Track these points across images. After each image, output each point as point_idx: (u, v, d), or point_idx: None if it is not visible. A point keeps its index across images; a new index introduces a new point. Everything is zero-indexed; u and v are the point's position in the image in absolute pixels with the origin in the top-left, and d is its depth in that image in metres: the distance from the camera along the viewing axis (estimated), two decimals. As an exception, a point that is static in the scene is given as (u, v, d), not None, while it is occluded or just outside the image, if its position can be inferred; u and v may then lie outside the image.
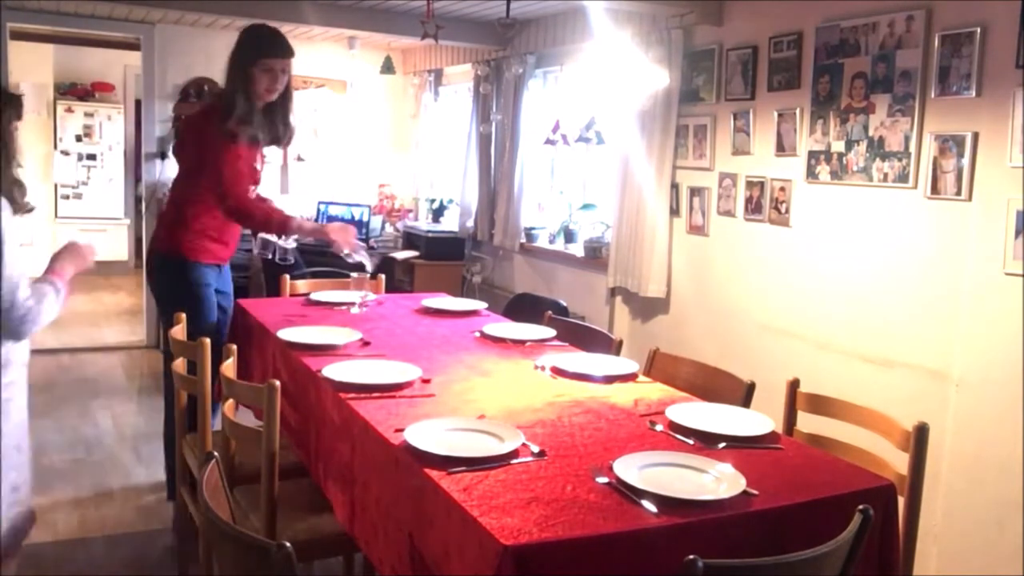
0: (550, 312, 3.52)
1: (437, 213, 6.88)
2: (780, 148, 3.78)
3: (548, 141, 5.44)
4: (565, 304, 4.49)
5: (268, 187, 6.86)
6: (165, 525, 3.52)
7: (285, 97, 3.66)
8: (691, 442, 2.12)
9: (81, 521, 3.59)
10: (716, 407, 2.40)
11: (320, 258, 6.22)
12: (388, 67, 6.74)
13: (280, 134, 3.71)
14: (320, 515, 2.48)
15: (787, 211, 3.76)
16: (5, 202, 2.26)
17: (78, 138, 9.06)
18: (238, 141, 3.49)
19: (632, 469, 1.86)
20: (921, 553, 2.40)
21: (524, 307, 4.32)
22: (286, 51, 3.59)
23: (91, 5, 5.75)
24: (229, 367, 2.59)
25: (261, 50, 3.51)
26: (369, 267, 3.73)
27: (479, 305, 3.67)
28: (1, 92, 2.33)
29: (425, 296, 3.79)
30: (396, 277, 6.14)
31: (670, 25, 4.31)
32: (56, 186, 9.03)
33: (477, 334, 3.14)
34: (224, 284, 3.82)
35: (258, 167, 3.71)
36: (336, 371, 2.51)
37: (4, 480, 2.31)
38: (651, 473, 1.86)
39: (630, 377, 2.70)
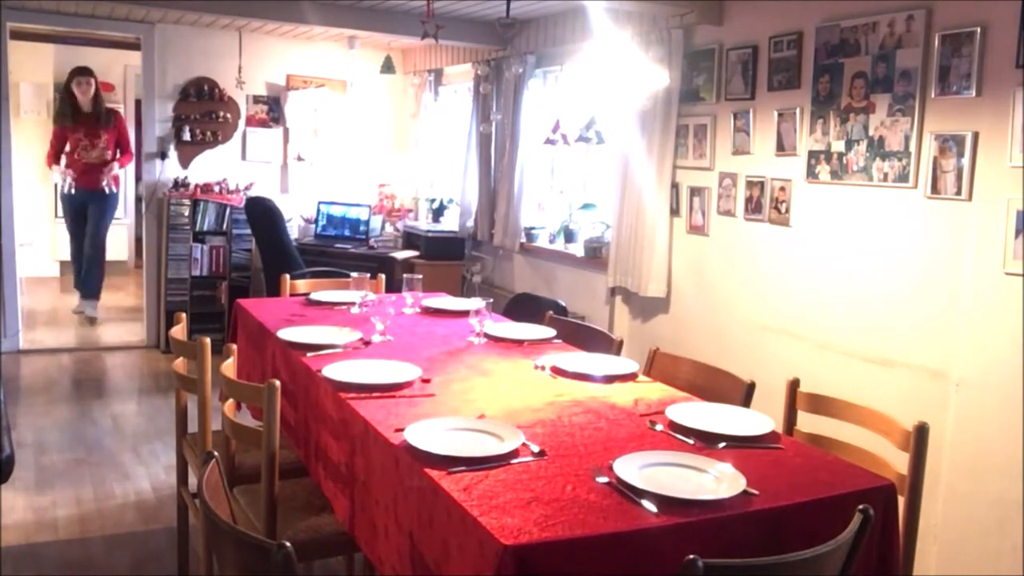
0: (550, 312, 3.52)
1: (437, 213, 6.88)
2: (780, 148, 3.78)
3: (548, 141, 5.44)
4: (564, 304, 4.49)
5: (268, 187, 6.88)
6: (165, 525, 3.52)
7: None
8: (691, 442, 2.12)
9: (81, 521, 3.59)
10: (716, 407, 2.40)
11: (320, 258, 6.23)
12: (388, 67, 6.73)
13: None
14: (320, 515, 2.48)
15: (787, 211, 3.76)
16: None
17: (78, 138, 9.04)
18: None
19: (632, 469, 1.86)
20: (921, 553, 2.41)
21: (524, 307, 4.32)
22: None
23: (91, 5, 5.75)
24: (229, 367, 2.59)
25: None
26: None
27: (478, 303, 3.66)
28: None
29: (426, 296, 3.79)
30: (396, 277, 6.14)
31: (670, 25, 4.32)
32: (56, 186, 9.01)
33: (481, 340, 3.12)
34: None
35: None
36: (336, 371, 2.51)
37: None
38: (651, 473, 1.86)
39: (630, 377, 2.70)
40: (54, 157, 6.88)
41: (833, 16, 3.49)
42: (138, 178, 8.07)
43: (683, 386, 2.70)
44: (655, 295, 4.49)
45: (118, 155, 6.87)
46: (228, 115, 6.75)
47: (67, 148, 6.79)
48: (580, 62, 5.29)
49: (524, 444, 2.01)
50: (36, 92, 8.71)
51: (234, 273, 6.50)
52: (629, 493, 1.77)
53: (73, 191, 6.77)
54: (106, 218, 7.09)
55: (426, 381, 2.53)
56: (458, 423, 2.14)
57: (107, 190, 6.87)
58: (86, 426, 4.76)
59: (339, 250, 6.44)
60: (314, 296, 3.70)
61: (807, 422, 2.51)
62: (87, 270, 7.11)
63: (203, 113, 6.65)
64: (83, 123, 6.71)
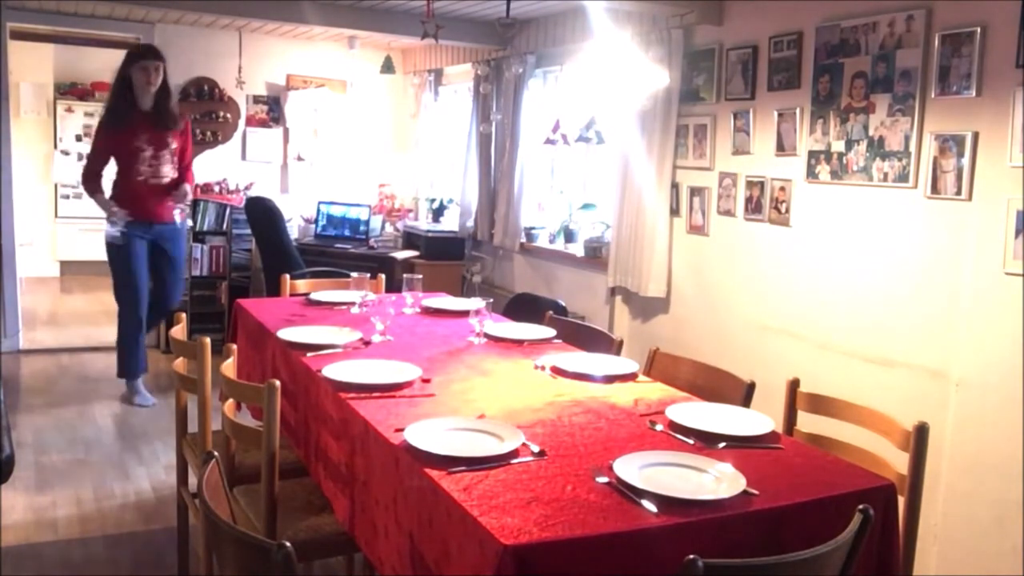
0: (550, 312, 3.52)
1: (437, 213, 6.89)
2: (780, 148, 3.78)
3: (548, 141, 5.44)
4: (564, 304, 4.49)
5: (268, 187, 6.88)
6: (165, 525, 3.52)
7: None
8: (691, 442, 2.12)
9: (81, 521, 3.59)
10: (716, 407, 2.40)
11: (320, 258, 6.24)
12: (388, 67, 6.74)
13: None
14: (320, 515, 2.48)
15: (787, 211, 3.76)
16: None
17: (78, 138, 9.03)
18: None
19: (632, 469, 1.86)
20: (921, 553, 2.41)
21: (524, 307, 4.32)
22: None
23: (91, 5, 5.76)
24: (229, 367, 2.59)
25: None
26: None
27: (478, 303, 3.66)
28: None
29: (426, 296, 3.79)
30: (396, 277, 6.14)
31: (670, 25, 4.32)
32: (56, 186, 9.02)
33: (481, 340, 3.12)
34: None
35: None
36: (336, 371, 2.51)
37: None
38: (651, 473, 1.86)
39: (630, 377, 2.70)
40: (96, 179, 4.81)
41: (833, 16, 3.49)
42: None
43: (683, 386, 2.70)
44: (655, 295, 4.49)
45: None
46: (228, 115, 6.76)
47: (120, 166, 4.82)
48: (580, 62, 5.29)
49: (524, 444, 2.01)
50: (36, 92, 8.72)
51: (234, 273, 6.50)
52: (629, 493, 1.77)
53: (124, 229, 4.73)
54: (180, 263, 5.12)
55: (426, 381, 2.53)
56: (458, 423, 2.14)
57: (177, 222, 4.95)
58: (86, 426, 4.76)
59: (339, 250, 6.45)
60: (314, 296, 3.70)
61: (807, 422, 2.51)
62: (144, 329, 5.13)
63: (203, 113, 6.66)
64: (142, 126, 4.74)
